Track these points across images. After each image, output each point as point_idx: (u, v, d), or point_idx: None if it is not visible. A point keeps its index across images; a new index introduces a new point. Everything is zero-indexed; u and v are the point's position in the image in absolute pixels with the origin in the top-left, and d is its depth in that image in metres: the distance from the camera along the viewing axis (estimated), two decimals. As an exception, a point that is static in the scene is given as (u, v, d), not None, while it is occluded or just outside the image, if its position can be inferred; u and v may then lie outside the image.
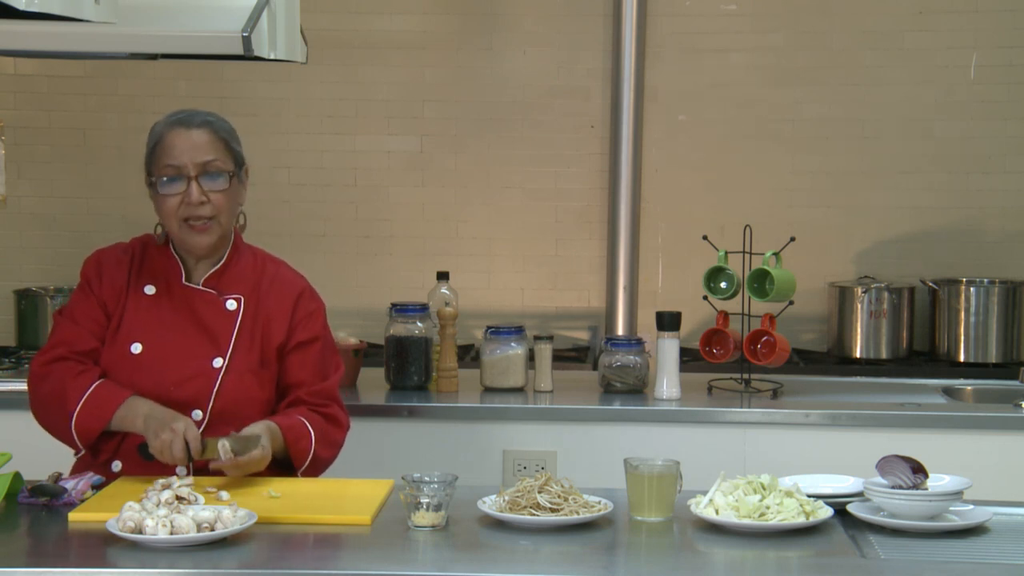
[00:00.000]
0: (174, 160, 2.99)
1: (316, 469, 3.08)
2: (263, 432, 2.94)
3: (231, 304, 3.08)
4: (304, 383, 3.11)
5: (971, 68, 5.24)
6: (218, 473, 2.90)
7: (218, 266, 3.10)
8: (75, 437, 2.99)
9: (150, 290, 3.08)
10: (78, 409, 2.96)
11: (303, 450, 3.03)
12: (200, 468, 2.94)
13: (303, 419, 3.06)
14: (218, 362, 3.03)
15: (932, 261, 5.29)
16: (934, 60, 5.25)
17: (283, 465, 3.05)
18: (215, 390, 3.01)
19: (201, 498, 2.68)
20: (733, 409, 3.99)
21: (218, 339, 3.05)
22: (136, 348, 3.03)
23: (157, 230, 3.11)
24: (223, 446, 2.86)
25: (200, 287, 3.09)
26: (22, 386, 3.20)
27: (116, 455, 3.02)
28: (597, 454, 3.89)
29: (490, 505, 2.69)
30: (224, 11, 3.23)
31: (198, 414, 3.00)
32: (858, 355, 5.08)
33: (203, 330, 3.05)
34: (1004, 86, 5.24)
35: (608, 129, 5.31)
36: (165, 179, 3.00)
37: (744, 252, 4.16)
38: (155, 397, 2.98)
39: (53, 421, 3.03)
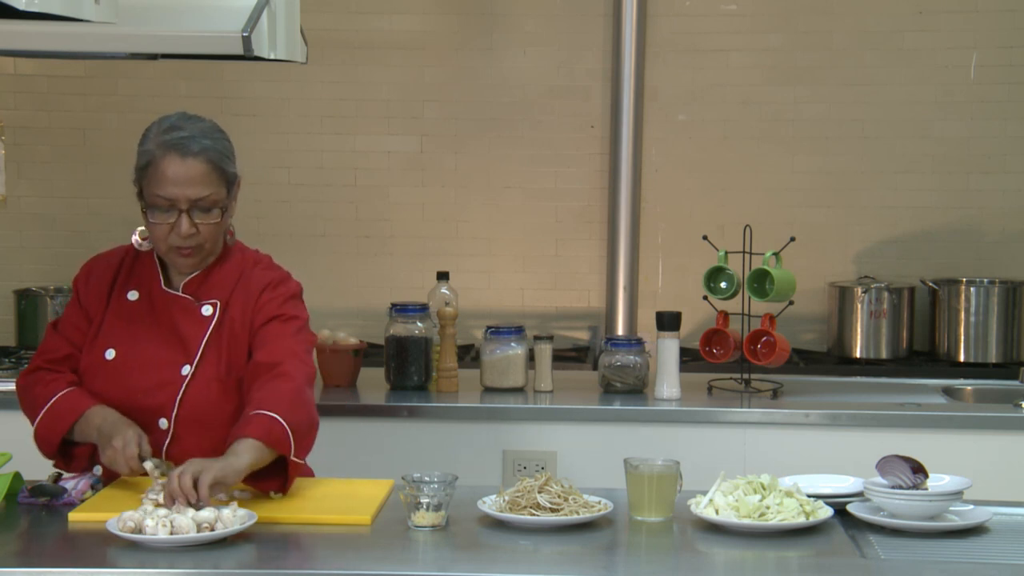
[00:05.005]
0: (166, 193, 2.87)
1: (304, 440, 2.83)
2: (246, 451, 2.73)
3: (207, 310, 2.99)
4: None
5: (971, 68, 5.23)
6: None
7: (198, 271, 3.02)
8: (37, 447, 2.97)
9: (133, 296, 3.02)
10: (38, 420, 2.95)
11: (283, 441, 2.76)
12: None
13: (266, 412, 2.77)
14: (186, 370, 2.95)
15: (932, 261, 5.28)
16: (934, 60, 5.25)
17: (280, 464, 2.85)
18: (179, 398, 2.93)
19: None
20: (733, 409, 3.99)
21: (189, 346, 2.97)
22: (110, 354, 2.98)
23: (135, 240, 3.05)
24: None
25: (178, 293, 3.01)
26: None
27: (91, 462, 2.96)
28: (597, 454, 3.88)
29: (490, 505, 2.70)
30: (224, 11, 3.23)
31: (164, 423, 2.92)
32: (858, 355, 5.08)
33: (177, 337, 2.97)
34: (1004, 86, 5.23)
35: (608, 129, 5.31)
36: (156, 209, 2.90)
37: (744, 252, 4.16)
38: (125, 404, 2.92)
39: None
